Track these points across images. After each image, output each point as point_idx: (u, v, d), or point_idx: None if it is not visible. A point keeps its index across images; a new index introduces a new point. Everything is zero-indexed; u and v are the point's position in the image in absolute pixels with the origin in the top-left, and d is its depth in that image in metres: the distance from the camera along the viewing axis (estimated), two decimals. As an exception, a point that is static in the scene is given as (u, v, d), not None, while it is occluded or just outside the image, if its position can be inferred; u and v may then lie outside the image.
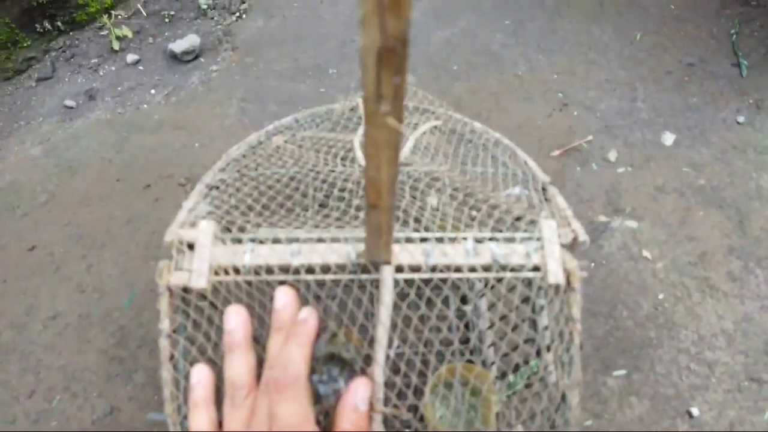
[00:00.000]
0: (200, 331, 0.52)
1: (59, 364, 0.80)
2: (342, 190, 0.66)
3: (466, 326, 0.65)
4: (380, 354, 0.45)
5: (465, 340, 0.68)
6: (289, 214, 0.62)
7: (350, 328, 0.53)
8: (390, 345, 0.47)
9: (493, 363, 0.62)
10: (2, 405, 0.77)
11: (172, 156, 1.07)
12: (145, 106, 1.22)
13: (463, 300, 0.66)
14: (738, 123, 1.11)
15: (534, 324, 0.60)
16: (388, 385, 0.47)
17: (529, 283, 0.53)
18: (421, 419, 0.69)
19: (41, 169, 1.07)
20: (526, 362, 0.58)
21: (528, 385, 0.54)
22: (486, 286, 0.56)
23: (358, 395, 0.40)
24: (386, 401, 0.46)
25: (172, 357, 0.49)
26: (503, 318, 0.63)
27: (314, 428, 0.36)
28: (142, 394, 0.76)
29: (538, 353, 0.57)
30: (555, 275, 0.49)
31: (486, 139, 0.74)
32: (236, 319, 0.41)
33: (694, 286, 0.84)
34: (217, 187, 0.65)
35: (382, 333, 0.46)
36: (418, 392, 0.53)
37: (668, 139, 1.09)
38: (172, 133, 1.14)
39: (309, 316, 0.41)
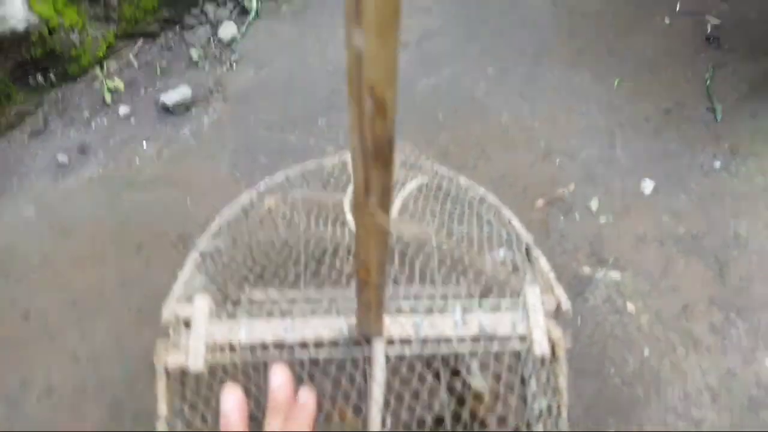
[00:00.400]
0: (197, 412, 0.53)
1: (53, 439, 0.80)
2: (334, 254, 0.67)
3: (459, 401, 0.67)
4: (373, 433, 0.46)
5: (457, 417, 0.69)
6: (282, 282, 0.64)
7: (344, 407, 0.54)
8: (384, 424, 0.48)
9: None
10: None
11: (164, 213, 1.09)
12: (137, 160, 1.24)
13: (455, 373, 0.68)
14: (715, 169, 1.15)
15: (523, 391, 0.62)
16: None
17: (517, 354, 0.55)
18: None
19: (35, 231, 1.07)
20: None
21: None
22: (475, 356, 0.58)
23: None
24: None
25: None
26: (493, 389, 0.64)
27: None
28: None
29: (529, 424, 0.59)
30: (540, 346, 0.51)
31: (471, 196, 0.77)
32: (231, 401, 0.41)
33: (678, 340, 0.86)
34: (212, 256, 0.67)
35: (375, 412, 0.47)
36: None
37: (648, 186, 1.12)
38: (164, 189, 1.16)
39: (308, 398, 0.42)
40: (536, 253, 0.64)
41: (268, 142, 1.27)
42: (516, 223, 0.68)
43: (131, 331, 0.91)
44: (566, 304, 0.58)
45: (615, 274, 0.95)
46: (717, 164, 1.16)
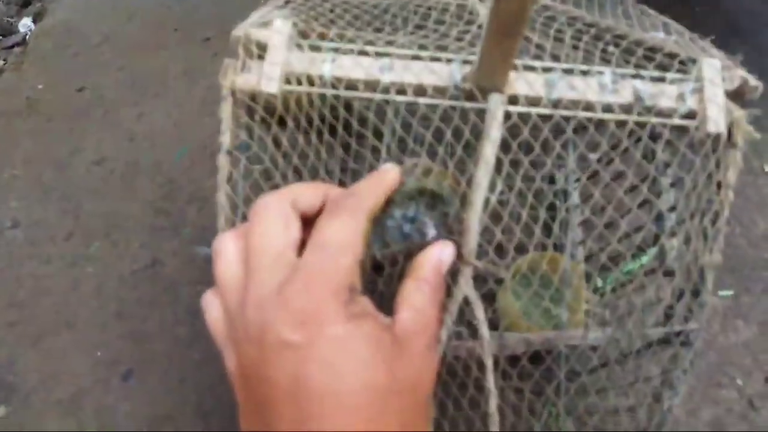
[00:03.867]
0: (266, 152, 0.44)
1: (101, 210, 0.76)
2: (444, 11, 0.53)
3: (591, 177, 0.55)
4: (479, 196, 0.36)
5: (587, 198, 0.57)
6: (377, 33, 0.52)
7: (446, 165, 0.44)
8: (492, 189, 0.38)
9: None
10: (38, 243, 0.73)
11: (235, 11, 0.97)
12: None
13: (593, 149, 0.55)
14: None
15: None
16: (486, 234, 0.38)
17: (677, 134, 0.43)
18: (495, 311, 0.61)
19: (96, 10, 1.00)
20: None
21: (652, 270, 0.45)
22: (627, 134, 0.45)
23: (444, 251, 0.33)
24: (481, 255, 0.38)
25: (230, 178, 0.41)
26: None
27: (353, 257, 0.28)
28: (187, 250, 0.71)
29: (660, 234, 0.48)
30: (716, 123, 0.39)
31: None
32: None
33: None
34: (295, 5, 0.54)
35: (483, 173, 0.37)
36: (522, 249, 0.44)
37: None
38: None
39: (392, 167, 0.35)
40: (704, 42, 0.49)
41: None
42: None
43: (191, 118, 0.83)
44: (755, 82, 0.44)
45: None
46: None
